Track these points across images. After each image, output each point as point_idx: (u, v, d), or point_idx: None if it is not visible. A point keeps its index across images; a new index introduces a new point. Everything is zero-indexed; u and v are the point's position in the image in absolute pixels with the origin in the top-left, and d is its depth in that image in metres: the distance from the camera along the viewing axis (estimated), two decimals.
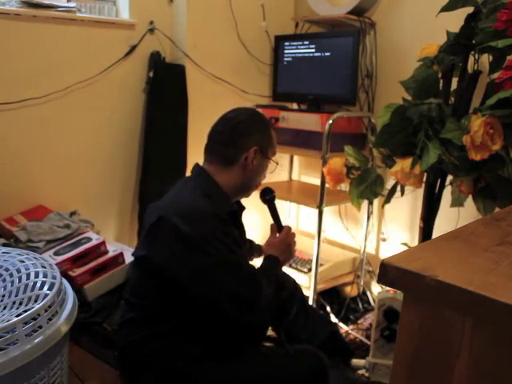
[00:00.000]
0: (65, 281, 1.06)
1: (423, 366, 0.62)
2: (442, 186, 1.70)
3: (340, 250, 2.57)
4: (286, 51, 2.47)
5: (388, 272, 0.62)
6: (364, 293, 2.43)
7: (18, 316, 0.85)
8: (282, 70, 2.51)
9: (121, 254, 1.80)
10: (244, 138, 1.35)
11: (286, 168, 2.75)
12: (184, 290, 1.22)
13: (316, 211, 2.14)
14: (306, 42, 2.38)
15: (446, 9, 1.52)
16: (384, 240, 2.43)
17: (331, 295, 2.38)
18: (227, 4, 2.34)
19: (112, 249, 1.80)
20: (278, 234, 1.50)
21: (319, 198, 2.12)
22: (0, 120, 1.86)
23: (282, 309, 1.59)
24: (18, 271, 0.98)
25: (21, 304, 0.91)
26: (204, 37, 2.31)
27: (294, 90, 2.47)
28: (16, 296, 0.93)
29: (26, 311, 0.87)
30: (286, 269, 2.31)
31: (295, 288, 1.71)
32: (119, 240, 2.26)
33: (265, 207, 1.54)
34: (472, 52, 1.54)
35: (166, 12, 2.26)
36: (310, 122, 2.25)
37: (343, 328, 2.16)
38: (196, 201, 1.27)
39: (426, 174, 1.63)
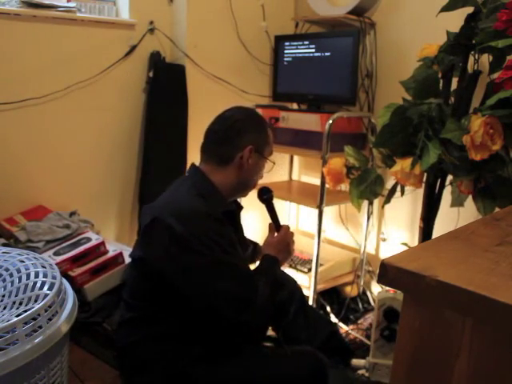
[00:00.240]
0: (65, 281, 1.06)
1: (423, 365, 0.62)
2: (442, 186, 1.70)
3: (340, 249, 2.57)
4: (285, 51, 2.47)
5: (388, 272, 0.62)
6: (364, 293, 2.43)
7: (18, 316, 0.85)
8: (282, 70, 2.51)
9: (120, 254, 1.80)
10: (239, 137, 1.33)
11: (286, 168, 2.75)
12: (180, 290, 1.22)
13: (316, 211, 2.14)
14: (306, 42, 2.38)
15: (445, 9, 1.52)
16: (384, 240, 2.42)
17: (331, 295, 2.38)
18: (227, 4, 2.34)
19: (112, 249, 1.81)
20: (276, 234, 1.50)
21: (319, 197, 2.12)
22: (0, 120, 1.86)
23: (281, 309, 1.58)
24: (18, 271, 0.98)
25: (21, 304, 0.91)
26: (204, 37, 2.31)
27: (294, 90, 2.47)
28: (16, 296, 0.93)
29: (26, 311, 0.87)
30: (286, 269, 2.32)
31: (295, 288, 1.70)
32: (119, 240, 2.26)
33: (263, 207, 1.54)
34: (472, 52, 1.54)
35: (165, 12, 2.26)
36: (309, 121, 2.25)
37: (343, 328, 2.16)
38: (190, 201, 1.27)
39: (426, 174, 1.63)
